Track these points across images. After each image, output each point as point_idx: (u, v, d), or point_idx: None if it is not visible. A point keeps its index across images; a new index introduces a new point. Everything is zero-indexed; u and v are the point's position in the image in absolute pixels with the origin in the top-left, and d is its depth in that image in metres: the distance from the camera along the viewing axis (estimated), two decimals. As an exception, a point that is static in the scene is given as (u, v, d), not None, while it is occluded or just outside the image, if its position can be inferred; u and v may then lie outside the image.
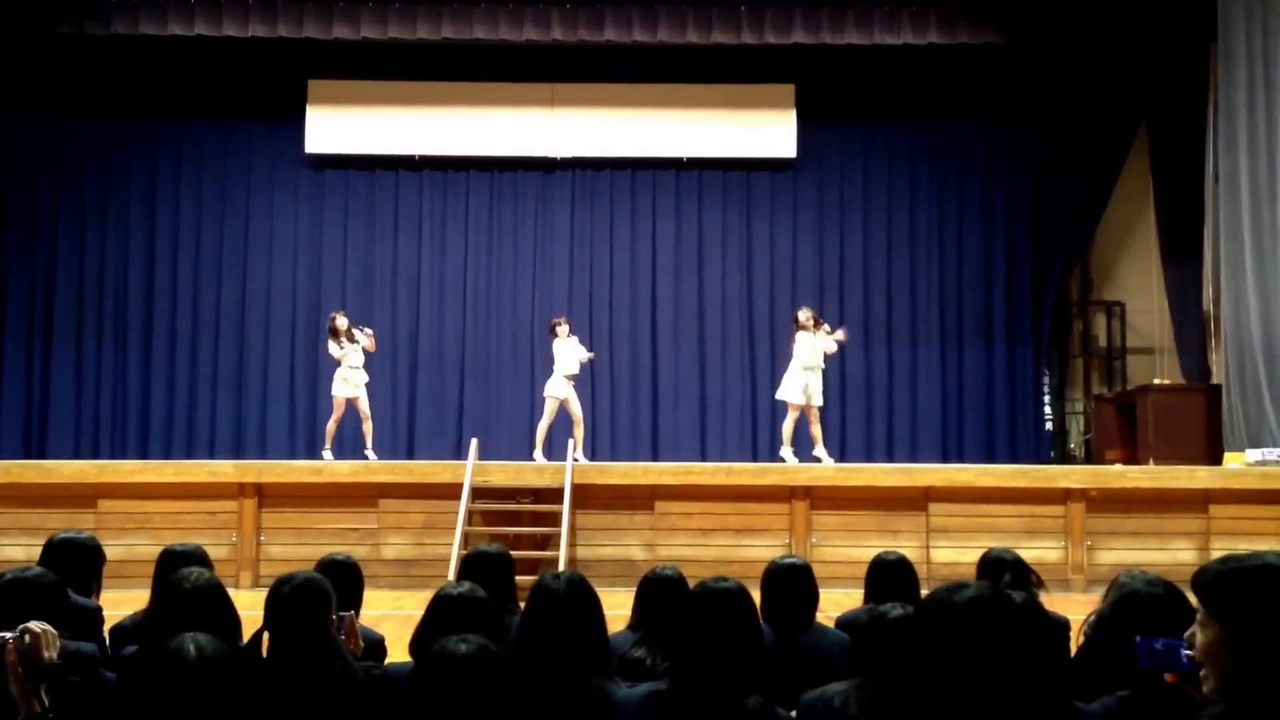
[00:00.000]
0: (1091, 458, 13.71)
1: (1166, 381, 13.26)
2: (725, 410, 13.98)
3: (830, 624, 3.90)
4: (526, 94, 13.94)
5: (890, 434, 14.01)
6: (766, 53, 13.38)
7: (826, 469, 10.96)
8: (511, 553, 4.31)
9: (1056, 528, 10.17)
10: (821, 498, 10.24)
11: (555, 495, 9.92)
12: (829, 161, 14.27)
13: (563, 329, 11.61)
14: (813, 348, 11.28)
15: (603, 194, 14.28)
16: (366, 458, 11.54)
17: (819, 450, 11.35)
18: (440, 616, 3.06)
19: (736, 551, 9.79)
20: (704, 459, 13.01)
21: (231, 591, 3.37)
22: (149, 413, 13.77)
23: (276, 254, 14.08)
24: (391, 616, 6.68)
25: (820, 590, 3.71)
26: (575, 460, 10.59)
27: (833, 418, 13.22)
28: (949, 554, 9.69)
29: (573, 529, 9.79)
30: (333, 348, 11.56)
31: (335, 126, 13.96)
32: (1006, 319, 14.14)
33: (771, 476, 10.51)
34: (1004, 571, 3.95)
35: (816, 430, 11.44)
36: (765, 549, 9.51)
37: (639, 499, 10.21)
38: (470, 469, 10.02)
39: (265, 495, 10.18)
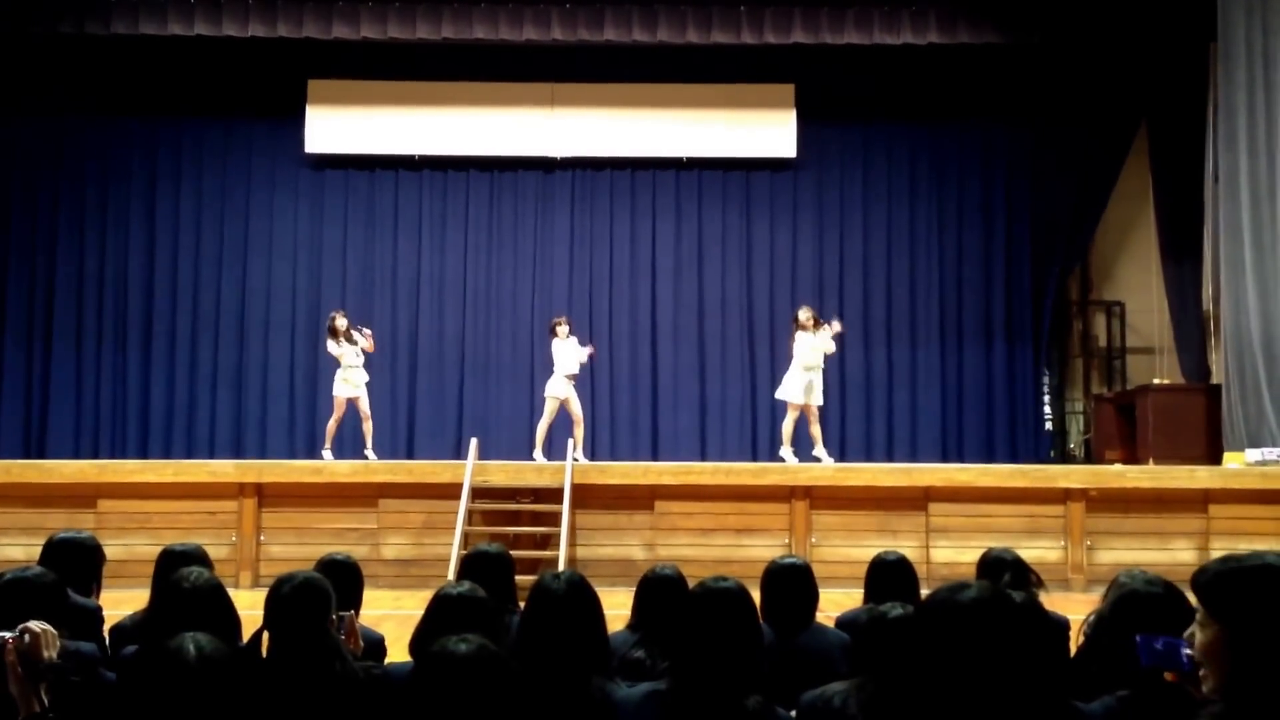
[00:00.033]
0: (1091, 458, 13.70)
1: (1166, 381, 13.25)
2: (725, 410, 13.98)
3: (830, 624, 3.90)
4: (526, 94, 13.93)
5: (890, 434, 14.01)
6: (766, 52, 13.38)
7: (826, 469, 10.96)
8: (511, 553, 4.31)
9: (1056, 528, 10.16)
10: (821, 498, 10.24)
11: (555, 495, 9.91)
12: (829, 161, 14.27)
13: (562, 329, 11.60)
14: (813, 348, 11.27)
15: (602, 194, 14.27)
16: (366, 457, 11.53)
17: (819, 450, 11.34)
18: (440, 616, 3.07)
19: (736, 551, 9.79)
20: (704, 459, 13.01)
21: (231, 591, 3.37)
22: (149, 412, 13.77)
23: (276, 254, 14.08)
24: (391, 616, 6.66)
25: (820, 590, 3.71)
26: (575, 460, 10.58)
27: (833, 417, 13.22)
28: (949, 554, 9.69)
29: (573, 529, 9.79)
30: (332, 347, 11.56)
31: (335, 126, 13.96)
32: (1006, 319, 14.14)
33: (771, 476, 10.50)
34: (1004, 571, 3.95)
35: (816, 430, 11.44)
36: (765, 549, 9.50)
37: (639, 499, 10.20)
38: (470, 469, 10.02)
39: (265, 495, 10.18)
